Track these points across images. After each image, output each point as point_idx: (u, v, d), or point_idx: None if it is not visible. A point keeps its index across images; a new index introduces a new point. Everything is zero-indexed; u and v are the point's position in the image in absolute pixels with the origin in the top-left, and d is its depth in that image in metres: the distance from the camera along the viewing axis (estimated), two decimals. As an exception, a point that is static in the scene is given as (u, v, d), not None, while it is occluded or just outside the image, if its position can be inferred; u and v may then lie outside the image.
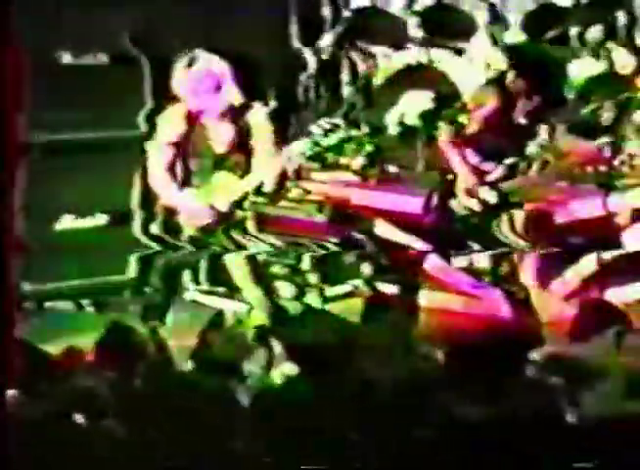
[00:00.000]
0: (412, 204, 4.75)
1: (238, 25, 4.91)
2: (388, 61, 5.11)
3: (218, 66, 4.82)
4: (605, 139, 4.77)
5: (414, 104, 4.89)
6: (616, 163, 4.74)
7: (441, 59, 5.01)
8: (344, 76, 5.16)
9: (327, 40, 5.05)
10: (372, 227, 4.73)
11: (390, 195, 4.78)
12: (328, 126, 4.74)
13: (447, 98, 4.89)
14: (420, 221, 4.72)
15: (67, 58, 4.93)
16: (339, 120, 4.85)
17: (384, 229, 4.72)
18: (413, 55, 5.02)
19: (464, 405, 4.34)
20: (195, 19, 4.90)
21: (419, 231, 4.71)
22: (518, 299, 4.62)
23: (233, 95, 4.84)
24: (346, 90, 5.12)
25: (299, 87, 5.01)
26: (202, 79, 4.83)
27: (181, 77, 4.84)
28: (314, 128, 4.83)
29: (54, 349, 4.59)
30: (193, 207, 4.81)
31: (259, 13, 4.91)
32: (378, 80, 5.11)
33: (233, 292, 4.70)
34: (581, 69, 4.92)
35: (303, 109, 4.96)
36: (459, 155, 4.78)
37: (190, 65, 4.84)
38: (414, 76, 5.01)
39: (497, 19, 4.95)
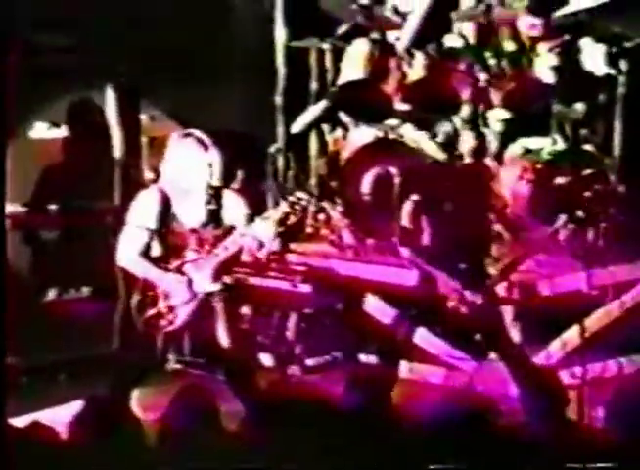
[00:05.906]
0: (406, 276, 4.77)
1: (223, 100, 4.96)
2: (360, 133, 5.17)
3: (204, 146, 4.79)
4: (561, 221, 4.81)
5: None
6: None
7: (411, 135, 5.10)
8: (313, 147, 5.22)
9: (310, 114, 5.11)
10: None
11: (381, 267, 4.81)
12: (294, 199, 4.67)
13: None
14: (413, 293, 4.75)
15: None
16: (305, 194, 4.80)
17: (373, 301, 4.76)
18: (384, 129, 5.10)
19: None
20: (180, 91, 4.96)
21: (408, 301, 4.74)
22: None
23: (215, 176, 4.81)
24: (315, 162, 5.17)
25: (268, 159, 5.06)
26: (184, 164, 4.80)
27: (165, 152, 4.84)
28: (282, 202, 4.79)
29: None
30: (171, 284, 4.74)
31: (246, 86, 4.98)
32: (346, 153, 5.17)
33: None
34: (543, 144, 5.03)
35: (271, 181, 4.99)
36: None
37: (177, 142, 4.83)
38: (383, 150, 5.08)
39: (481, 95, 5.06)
